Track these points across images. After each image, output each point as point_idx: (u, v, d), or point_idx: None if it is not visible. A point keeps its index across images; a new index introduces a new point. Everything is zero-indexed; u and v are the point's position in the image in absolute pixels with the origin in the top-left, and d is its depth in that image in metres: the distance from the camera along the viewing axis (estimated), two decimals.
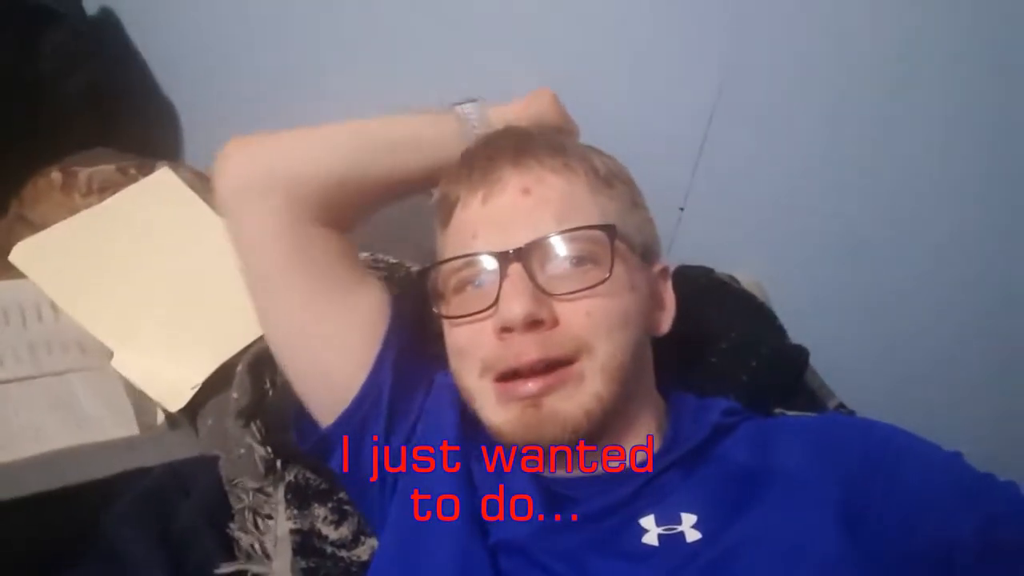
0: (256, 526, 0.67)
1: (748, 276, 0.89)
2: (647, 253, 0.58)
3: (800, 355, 0.74)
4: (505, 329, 0.50)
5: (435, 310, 0.55)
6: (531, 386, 0.49)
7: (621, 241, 0.53)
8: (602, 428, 0.51)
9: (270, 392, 0.75)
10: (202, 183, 1.05)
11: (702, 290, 0.79)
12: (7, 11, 1.02)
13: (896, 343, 0.98)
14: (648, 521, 0.50)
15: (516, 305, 0.49)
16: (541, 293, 0.50)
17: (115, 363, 0.82)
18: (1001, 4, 0.77)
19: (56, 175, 1.01)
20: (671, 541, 0.48)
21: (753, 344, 0.74)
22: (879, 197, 0.91)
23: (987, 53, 0.79)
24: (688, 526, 0.49)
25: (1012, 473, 0.48)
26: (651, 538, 0.49)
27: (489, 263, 0.52)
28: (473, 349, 0.53)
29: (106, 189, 1.00)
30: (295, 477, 0.70)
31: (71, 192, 0.99)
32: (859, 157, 0.89)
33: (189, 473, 0.74)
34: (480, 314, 0.52)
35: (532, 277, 0.50)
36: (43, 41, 1.03)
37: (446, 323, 0.55)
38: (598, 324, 0.51)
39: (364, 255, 0.86)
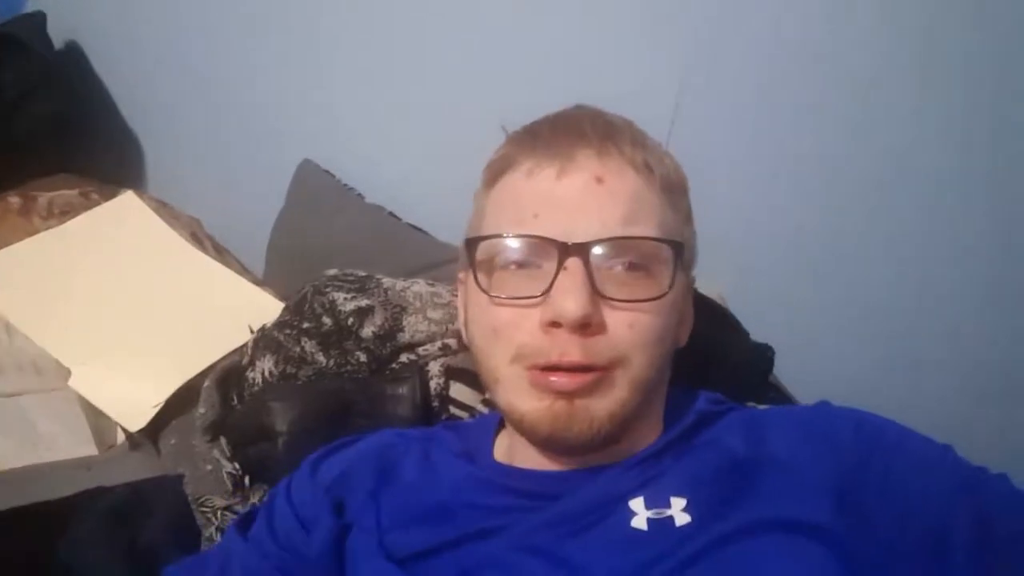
0: None
1: (710, 288, 0.91)
2: (688, 268, 0.57)
3: (766, 352, 0.76)
4: (554, 324, 0.48)
5: (476, 282, 0.52)
6: (567, 382, 0.48)
7: (681, 254, 0.51)
8: (620, 431, 0.51)
9: (237, 407, 0.74)
10: (165, 209, 1.05)
11: None
12: None
13: (861, 353, 0.99)
14: (637, 504, 0.49)
15: (572, 303, 0.47)
16: (596, 294, 0.48)
17: (72, 383, 0.80)
18: (965, 9, 0.80)
19: (14, 199, 1.00)
20: (660, 525, 0.48)
21: (720, 352, 0.76)
22: (841, 207, 0.92)
23: (953, 56, 0.81)
24: (678, 510, 0.49)
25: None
26: (640, 522, 0.49)
27: (549, 250, 0.49)
28: (512, 333, 0.50)
29: (67, 212, 0.98)
30: (261, 498, 0.69)
31: (30, 215, 0.97)
32: (821, 168, 0.91)
33: (152, 493, 0.71)
34: (528, 300, 0.49)
35: (590, 275, 0.48)
36: (6, 69, 1.03)
37: (483, 298, 0.52)
38: (639, 339, 0.49)
39: (332, 271, 0.86)
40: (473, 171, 0.57)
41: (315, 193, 1.07)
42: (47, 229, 0.95)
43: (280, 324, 0.81)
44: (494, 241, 0.51)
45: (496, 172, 0.54)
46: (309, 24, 1.06)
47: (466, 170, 0.58)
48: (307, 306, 0.81)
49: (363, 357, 0.78)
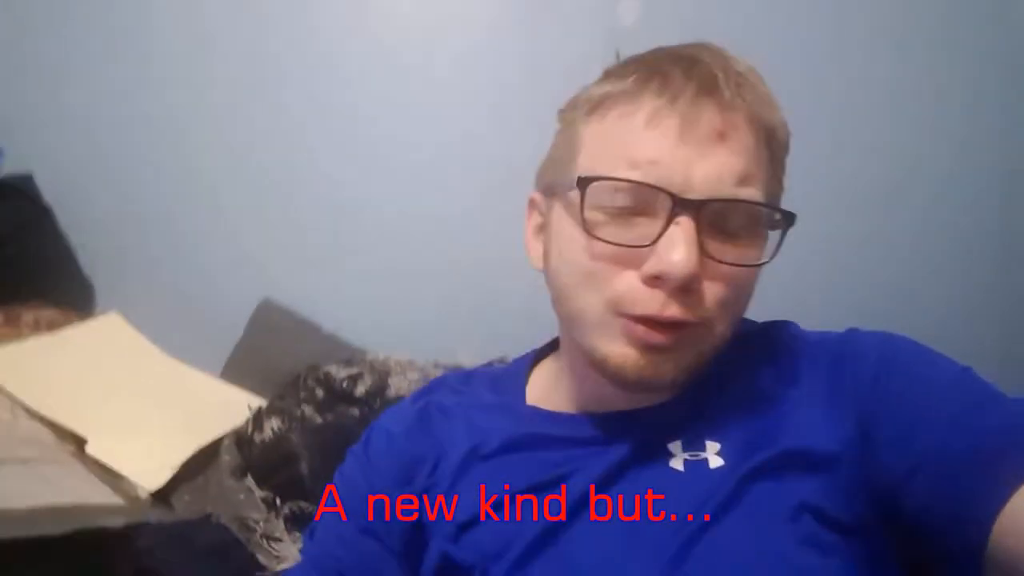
0: (271, 547, 0.78)
1: None
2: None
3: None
4: (658, 278, 0.47)
5: (580, 217, 0.49)
6: (662, 339, 0.48)
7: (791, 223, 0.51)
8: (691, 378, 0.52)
9: (257, 451, 0.89)
10: None
11: None
12: None
13: None
14: (675, 446, 0.52)
15: (682, 261, 0.46)
16: (702, 254, 0.47)
17: (90, 449, 0.89)
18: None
19: None
20: (695, 467, 0.50)
21: None
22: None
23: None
24: (712, 453, 0.50)
25: None
26: (677, 463, 0.51)
27: (662, 201, 0.47)
28: (609, 280, 0.49)
29: (53, 327, 1.10)
30: (290, 510, 0.83)
31: (17, 326, 1.08)
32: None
33: (184, 528, 0.82)
34: (632, 248, 0.48)
35: (700, 233, 0.47)
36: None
37: (580, 240, 0.50)
38: (728, 303, 0.50)
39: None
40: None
41: (274, 327, 1.27)
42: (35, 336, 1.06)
43: (279, 398, 0.99)
44: (603, 183, 0.49)
45: (607, 103, 0.51)
46: (256, 176, 1.33)
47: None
48: (302, 383, 1.01)
49: (356, 412, 0.98)
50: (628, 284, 0.48)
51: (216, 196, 1.34)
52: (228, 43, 1.33)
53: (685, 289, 0.47)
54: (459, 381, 0.64)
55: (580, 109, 0.54)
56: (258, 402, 1.04)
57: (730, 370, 0.54)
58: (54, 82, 1.34)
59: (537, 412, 0.57)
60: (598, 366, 0.51)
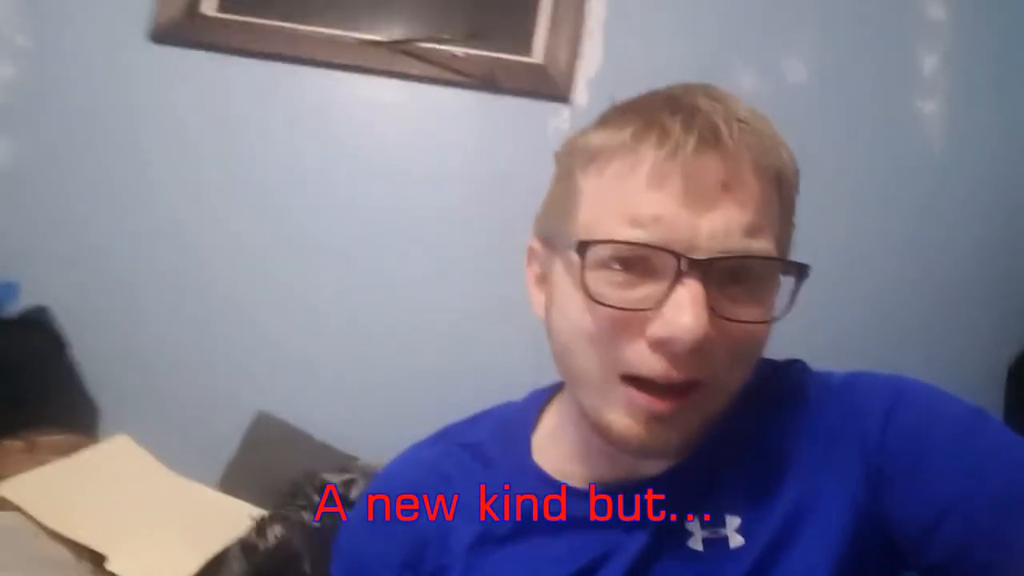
0: None
1: None
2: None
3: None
4: (664, 343, 0.45)
5: (580, 282, 0.47)
6: (664, 407, 0.46)
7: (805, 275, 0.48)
8: (702, 437, 0.50)
9: (263, 557, 1.00)
10: None
11: None
12: None
13: None
14: (694, 524, 0.50)
15: (691, 325, 0.44)
16: (712, 315, 0.45)
17: (111, 566, 0.99)
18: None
19: (17, 443, 1.20)
20: (716, 548, 0.49)
21: None
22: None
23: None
24: (732, 530, 0.49)
25: None
26: (696, 543, 0.49)
27: (666, 261, 0.45)
28: (612, 342, 0.47)
29: (69, 451, 1.20)
30: None
31: (35, 452, 1.18)
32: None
33: None
34: (636, 311, 0.46)
35: (708, 293, 0.44)
36: (19, 345, 1.30)
37: (579, 299, 0.48)
38: (740, 358, 0.48)
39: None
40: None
41: (270, 438, 1.38)
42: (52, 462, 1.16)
43: (280, 506, 1.10)
44: (603, 245, 0.46)
45: (605, 155, 0.49)
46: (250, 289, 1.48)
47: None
48: (300, 491, 1.12)
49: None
50: (633, 348, 0.46)
51: (213, 317, 1.48)
52: (228, 174, 1.51)
53: (696, 352, 0.45)
54: (463, 435, 0.61)
55: (577, 158, 0.51)
56: (258, 511, 1.15)
57: (742, 427, 0.52)
58: (68, 221, 1.50)
59: (548, 482, 0.55)
60: (601, 431, 0.49)
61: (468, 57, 1.54)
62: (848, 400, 0.52)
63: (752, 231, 0.46)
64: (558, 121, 1.49)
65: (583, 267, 0.47)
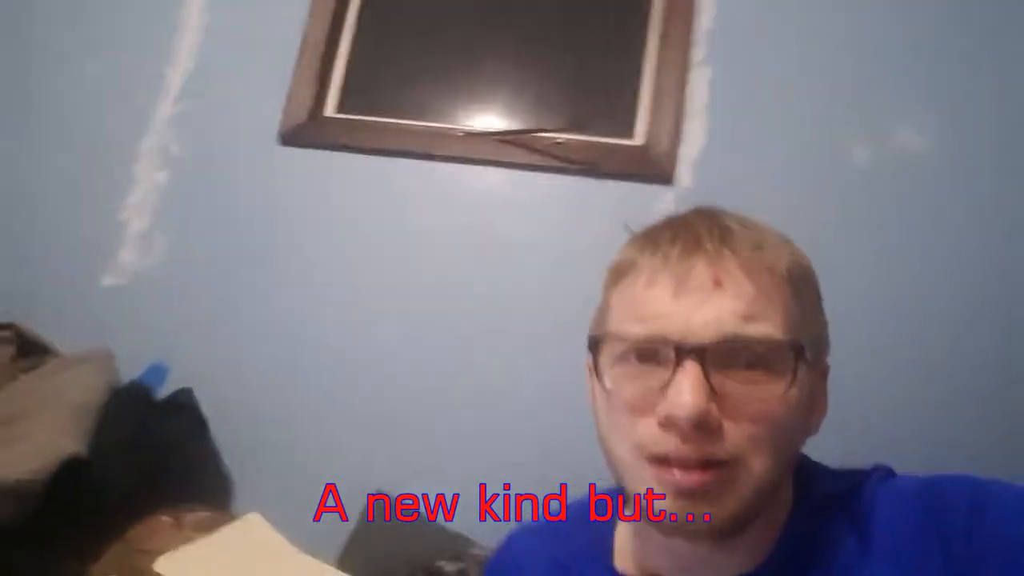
0: None
1: None
2: (818, 358, 0.57)
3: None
4: (670, 421, 0.50)
5: (596, 377, 0.56)
6: (686, 481, 0.50)
7: (802, 355, 0.52)
8: (742, 528, 0.52)
9: None
10: None
11: None
12: (145, 407, 1.45)
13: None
14: None
15: (686, 403, 0.49)
16: (713, 393, 0.50)
17: None
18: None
19: (166, 518, 1.32)
20: None
21: None
22: None
23: None
24: None
25: None
26: None
27: (665, 350, 0.51)
28: (632, 426, 0.53)
29: (209, 528, 1.31)
30: None
31: (182, 528, 1.30)
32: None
33: None
34: (645, 397, 0.52)
35: (707, 376, 0.50)
36: (168, 426, 1.45)
37: (603, 397, 0.55)
38: (760, 438, 0.50)
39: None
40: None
41: (383, 519, 1.44)
42: (196, 539, 1.27)
43: None
44: (614, 342, 0.54)
45: (619, 273, 0.58)
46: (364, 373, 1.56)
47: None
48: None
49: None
50: (647, 429, 0.52)
51: (333, 399, 1.58)
52: (349, 264, 1.62)
53: (700, 428, 0.49)
54: (554, 535, 0.68)
55: (608, 280, 0.61)
56: None
57: (815, 547, 0.54)
58: (211, 311, 1.66)
59: None
60: (642, 514, 0.54)
61: (570, 143, 1.59)
62: (927, 502, 0.53)
63: (747, 318, 0.51)
64: (661, 203, 1.50)
65: (597, 361, 0.56)
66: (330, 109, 1.74)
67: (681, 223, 0.58)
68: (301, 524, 1.44)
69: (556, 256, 1.55)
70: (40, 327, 1.63)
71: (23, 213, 1.82)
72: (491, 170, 1.62)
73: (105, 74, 1.84)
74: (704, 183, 1.50)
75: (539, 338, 1.52)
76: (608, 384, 0.55)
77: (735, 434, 0.50)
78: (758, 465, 0.51)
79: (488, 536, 1.34)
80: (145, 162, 1.77)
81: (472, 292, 1.56)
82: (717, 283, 0.53)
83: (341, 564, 1.40)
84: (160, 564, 1.14)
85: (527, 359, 1.52)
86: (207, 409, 1.55)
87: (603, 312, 0.60)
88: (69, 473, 1.18)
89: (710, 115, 1.54)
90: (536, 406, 1.50)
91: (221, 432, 1.55)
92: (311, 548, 1.41)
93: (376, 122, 1.70)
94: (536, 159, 1.59)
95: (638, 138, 1.58)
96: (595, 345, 0.56)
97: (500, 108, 1.68)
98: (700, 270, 0.53)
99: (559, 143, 1.59)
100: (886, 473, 0.59)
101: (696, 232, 0.56)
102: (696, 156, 1.52)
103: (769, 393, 0.51)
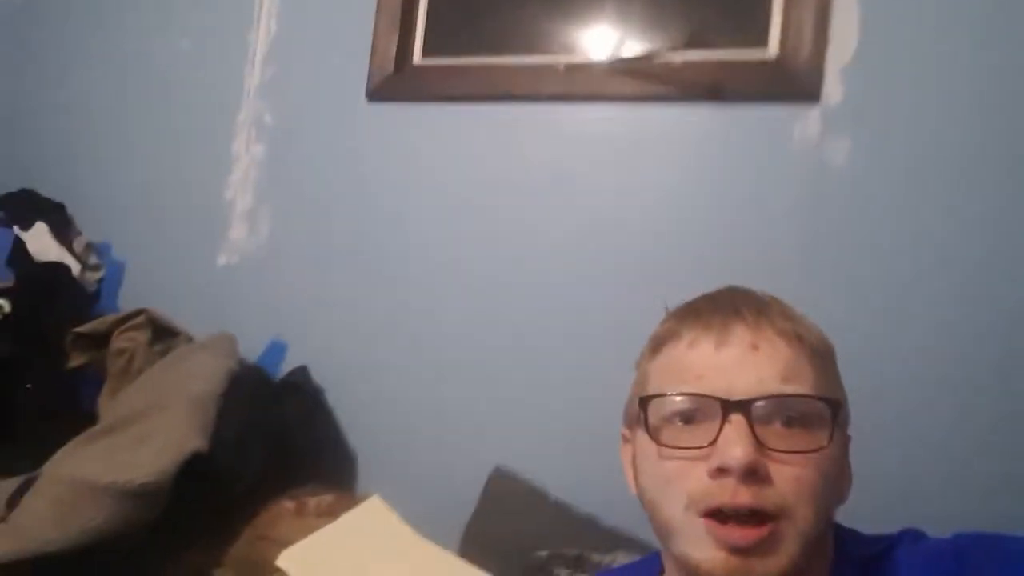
0: None
1: None
2: (845, 425, 0.62)
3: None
4: (722, 471, 0.53)
5: (648, 433, 0.58)
6: (741, 535, 0.52)
7: (838, 411, 0.56)
8: None
9: None
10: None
11: None
12: (266, 390, 1.45)
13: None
14: None
15: (739, 451, 0.52)
16: (759, 446, 0.53)
17: None
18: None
19: (288, 504, 1.32)
20: None
21: None
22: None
23: None
24: None
25: None
26: None
27: (713, 407, 0.55)
28: (683, 481, 0.55)
29: (331, 513, 1.30)
30: None
31: (304, 515, 1.29)
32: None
33: None
34: (697, 450, 0.55)
35: (752, 428, 0.53)
36: (289, 406, 1.43)
37: (653, 452, 0.58)
38: (804, 491, 0.53)
39: (544, 552, 1.13)
40: None
41: (507, 495, 1.37)
42: (319, 526, 1.26)
43: None
44: (663, 399, 0.58)
45: (659, 343, 0.63)
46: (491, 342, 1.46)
47: None
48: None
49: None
50: (699, 481, 0.55)
51: (450, 370, 1.49)
52: (453, 220, 1.50)
53: (751, 475, 0.52)
54: None
55: (645, 354, 0.66)
56: None
57: None
58: (322, 283, 1.62)
59: None
60: (691, 572, 0.55)
61: (689, 65, 1.34)
62: (956, 568, 0.55)
63: (784, 379, 0.56)
64: (805, 125, 1.24)
65: (647, 417, 0.59)
66: (417, 56, 1.59)
67: (719, 295, 0.65)
68: (422, 504, 1.41)
69: (679, 199, 1.34)
70: (167, 310, 1.68)
71: (141, 198, 1.87)
72: (598, 106, 1.41)
73: (194, 50, 1.80)
74: (859, 96, 1.21)
75: (660, 288, 1.33)
76: (665, 442, 0.57)
77: (782, 485, 0.53)
78: (803, 518, 0.54)
79: (617, 516, 1.24)
80: (242, 136, 1.73)
81: (586, 247, 1.39)
82: (754, 347, 0.57)
83: (463, 545, 1.35)
84: (283, 559, 1.13)
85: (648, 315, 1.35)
86: (323, 387, 1.54)
87: (641, 383, 0.64)
88: (193, 468, 1.19)
89: (863, 6, 1.23)
90: None
91: (340, 412, 1.53)
92: (433, 529, 1.36)
93: (467, 65, 1.53)
94: (650, 88, 1.36)
95: (771, 48, 1.30)
96: (643, 406, 0.59)
97: (605, 33, 1.44)
98: (740, 333, 0.58)
99: (675, 67, 1.35)
100: (917, 536, 0.61)
101: (734, 302, 0.62)
102: (848, 62, 1.23)
103: (809, 447, 0.55)
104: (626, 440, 0.67)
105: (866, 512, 0.68)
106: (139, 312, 1.68)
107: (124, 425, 1.31)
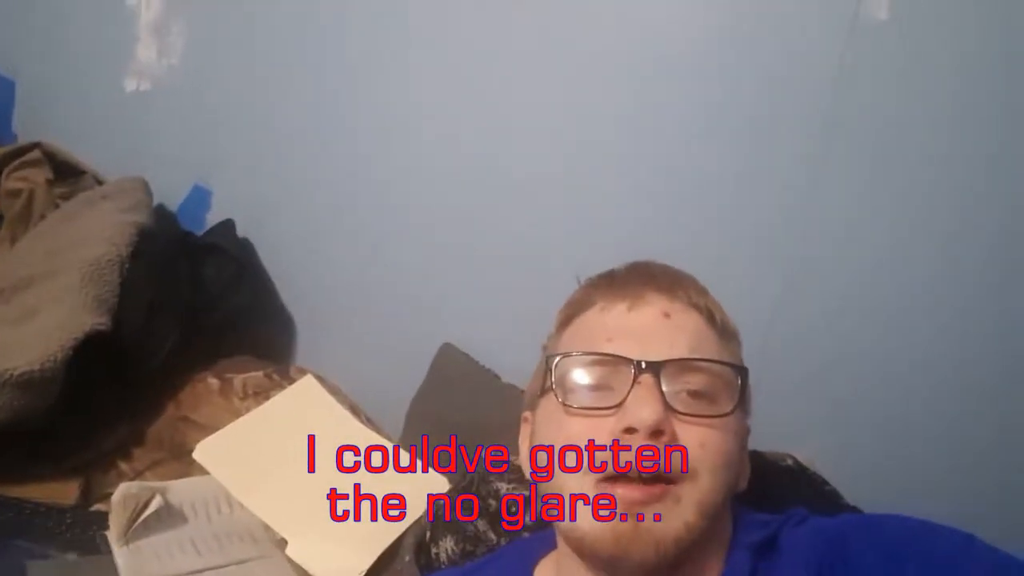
0: None
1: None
2: (748, 409, 0.62)
3: None
4: (629, 430, 0.52)
5: (554, 397, 0.57)
6: (634, 493, 0.51)
7: (746, 380, 0.58)
8: (682, 560, 0.52)
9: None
10: (327, 385, 1.23)
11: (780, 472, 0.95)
12: (181, 249, 1.26)
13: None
14: None
15: (647, 410, 0.52)
16: (667, 407, 0.53)
17: (290, 552, 0.96)
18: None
19: (213, 380, 1.20)
20: None
21: None
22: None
23: None
24: None
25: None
26: None
27: (623, 368, 0.55)
28: (586, 441, 0.54)
29: (259, 393, 1.18)
30: None
31: (229, 396, 1.17)
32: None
33: None
34: (603, 410, 0.54)
35: (661, 391, 0.53)
36: (209, 268, 1.26)
37: (558, 411, 0.57)
38: (708, 456, 0.53)
39: None
40: None
41: (454, 374, 1.25)
42: (245, 409, 1.14)
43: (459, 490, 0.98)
44: (571, 359, 0.57)
45: (571, 313, 0.63)
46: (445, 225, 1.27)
47: None
48: (475, 492, 0.98)
49: (526, 534, 0.94)
50: (604, 441, 0.54)
51: (403, 234, 1.30)
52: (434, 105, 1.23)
53: (658, 435, 0.52)
54: None
55: (552, 332, 0.66)
56: (438, 483, 1.06)
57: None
58: (254, 128, 1.37)
59: None
60: (577, 547, 0.55)
61: None
62: (824, 546, 0.54)
63: (693, 348, 0.57)
64: None
65: (552, 376, 0.58)
66: None
67: (633, 264, 0.65)
68: (364, 380, 1.29)
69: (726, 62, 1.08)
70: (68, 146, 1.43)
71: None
72: None
73: None
74: None
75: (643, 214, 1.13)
76: (571, 403, 0.57)
77: (688, 449, 0.53)
78: (705, 484, 0.53)
79: None
80: None
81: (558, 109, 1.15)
82: (666, 314, 0.58)
83: (407, 425, 1.26)
84: (199, 452, 1.02)
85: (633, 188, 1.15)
86: (253, 245, 1.35)
87: (552, 348, 0.63)
88: (93, 346, 1.03)
89: None
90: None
91: (274, 275, 1.36)
92: (375, 409, 1.27)
93: None
94: None
95: None
96: (551, 362, 0.58)
97: None
98: (652, 301, 0.59)
99: None
100: (802, 517, 0.60)
101: (649, 270, 0.63)
102: None
103: (716, 411, 0.55)
104: (526, 421, 0.66)
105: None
106: (33, 146, 1.43)
107: (13, 290, 1.14)
